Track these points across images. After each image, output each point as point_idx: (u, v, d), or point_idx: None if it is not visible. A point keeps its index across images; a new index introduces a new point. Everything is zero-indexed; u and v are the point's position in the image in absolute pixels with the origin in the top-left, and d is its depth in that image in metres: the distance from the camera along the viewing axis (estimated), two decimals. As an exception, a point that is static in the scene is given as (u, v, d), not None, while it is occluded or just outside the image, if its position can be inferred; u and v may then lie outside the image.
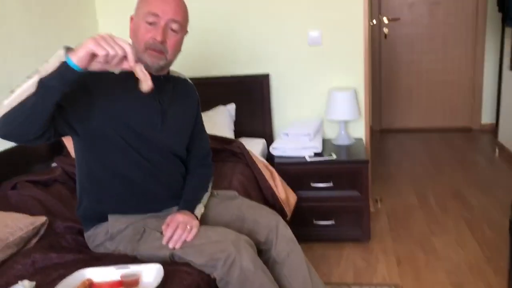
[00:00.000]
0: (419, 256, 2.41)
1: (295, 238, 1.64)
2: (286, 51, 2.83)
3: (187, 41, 1.57)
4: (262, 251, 1.62)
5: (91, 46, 1.09)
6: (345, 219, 2.53)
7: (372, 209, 2.82)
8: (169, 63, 1.52)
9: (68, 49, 1.14)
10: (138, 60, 1.41)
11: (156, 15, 1.42)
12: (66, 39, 2.56)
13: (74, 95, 1.31)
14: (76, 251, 1.52)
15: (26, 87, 1.10)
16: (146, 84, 1.16)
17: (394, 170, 3.70)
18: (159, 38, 1.42)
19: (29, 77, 1.13)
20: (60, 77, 1.08)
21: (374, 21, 4.55)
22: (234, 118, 2.84)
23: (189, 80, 1.73)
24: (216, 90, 2.84)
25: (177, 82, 1.65)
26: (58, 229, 1.65)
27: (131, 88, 1.37)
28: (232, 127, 2.78)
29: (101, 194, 1.51)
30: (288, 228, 1.65)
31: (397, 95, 4.81)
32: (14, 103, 1.11)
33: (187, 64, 2.58)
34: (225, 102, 2.86)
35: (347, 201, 2.50)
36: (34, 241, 1.54)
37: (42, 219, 1.58)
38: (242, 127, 2.85)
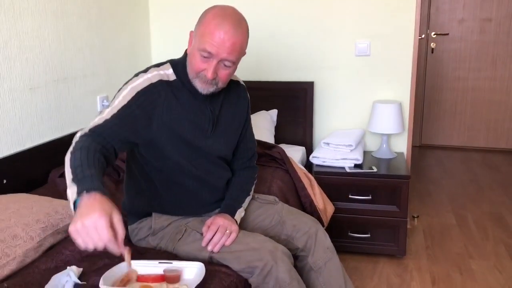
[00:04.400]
0: (455, 277, 2.35)
1: (333, 247, 1.64)
2: (332, 60, 2.83)
3: None
4: (299, 257, 1.62)
5: (72, 235, 1.06)
6: (381, 233, 2.50)
7: (409, 225, 2.77)
8: (220, 89, 1.51)
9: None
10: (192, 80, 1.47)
11: (210, 53, 1.39)
12: (119, 38, 2.65)
13: (135, 122, 1.40)
14: None
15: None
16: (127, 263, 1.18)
17: (433, 187, 3.62)
18: (209, 76, 1.41)
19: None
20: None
21: (423, 36, 4.49)
22: (275, 123, 2.86)
23: (241, 81, 1.73)
24: (260, 94, 2.85)
25: (230, 86, 1.62)
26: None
27: (184, 99, 1.45)
28: (273, 132, 2.80)
29: (149, 195, 1.55)
30: (327, 236, 1.65)
31: (440, 111, 4.71)
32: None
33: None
34: (268, 107, 2.88)
35: (384, 216, 2.47)
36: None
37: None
38: (283, 134, 2.87)
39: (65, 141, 2.18)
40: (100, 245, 1.05)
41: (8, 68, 1.85)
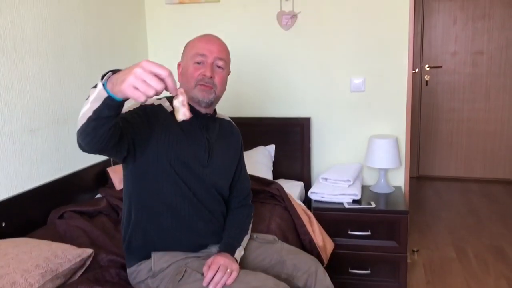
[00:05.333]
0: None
1: (333, 286, 1.64)
2: (328, 96, 2.87)
3: (232, 81, 1.66)
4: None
5: (129, 93, 1.03)
6: (381, 269, 2.49)
7: (408, 260, 2.76)
8: (217, 98, 1.61)
9: (108, 74, 1.13)
10: (189, 98, 1.52)
11: (203, 55, 1.55)
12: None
13: (138, 121, 1.43)
14: (119, 285, 1.55)
15: (85, 110, 1.15)
16: (180, 113, 1.15)
17: (432, 220, 3.62)
18: (208, 73, 1.53)
19: (86, 100, 1.17)
20: (108, 107, 1.11)
21: (417, 70, 4.58)
22: (273, 158, 2.88)
23: (233, 122, 1.81)
24: (257, 130, 2.90)
25: (223, 122, 1.74)
26: (102, 261, 1.70)
27: (182, 125, 1.49)
28: (271, 167, 2.82)
29: (147, 224, 1.54)
30: (327, 275, 1.65)
31: (436, 143, 4.75)
32: (83, 120, 1.16)
33: (230, 104, 2.67)
34: (266, 143, 2.90)
35: (384, 251, 2.46)
36: (79, 272, 1.58)
37: (88, 251, 1.63)
38: (281, 169, 2.88)
39: (64, 181, 2.20)
40: (160, 86, 1.02)
41: (9, 111, 1.88)
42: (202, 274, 1.46)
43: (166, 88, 1.06)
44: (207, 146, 1.58)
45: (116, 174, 2.44)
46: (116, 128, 1.25)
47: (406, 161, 2.81)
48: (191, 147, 1.54)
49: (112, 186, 2.43)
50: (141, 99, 1.02)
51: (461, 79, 4.59)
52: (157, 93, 1.04)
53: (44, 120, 2.09)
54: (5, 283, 1.31)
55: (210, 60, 1.55)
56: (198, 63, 1.55)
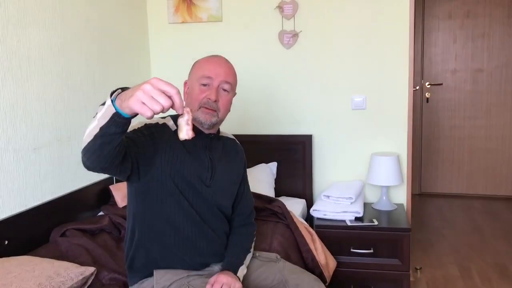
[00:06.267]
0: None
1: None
2: (329, 113, 2.89)
3: (234, 99, 1.67)
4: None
5: (136, 107, 1.05)
6: (384, 287, 2.47)
7: (411, 278, 2.74)
8: (220, 121, 1.62)
9: (117, 92, 1.15)
10: (193, 118, 1.52)
11: (209, 77, 1.55)
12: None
13: (142, 140, 1.44)
14: None
15: (92, 128, 1.16)
16: (183, 132, 1.16)
17: (434, 238, 3.60)
18: (213, 97, 1.54)
19: (94, 117, 1.18)
20: (115, 124, 1.12)
21: (417, 87, 4.61)
22: (275, 176, 2.88)
23: (237, 140, 1.82)
24: (259, 148, 2.91)
25: (226, 141, 1.75)
26: (104, 280, 1.70)
27: (187, 143, 1.49)
28: (273, 185, 2.82)
29: (150, 243, 1.54)
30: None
31: (438, 160, 4.75)
32: (89, 138, 1.17)
33: (233, 122, 2.68)
34: (267, 160, 2.91)
35: (387, 269, 2.45)
36: (82, 291, 1.58)
37: (90, 269, 1.63)
38: (283, 186, 2.89)
39: (67, 199, 2.21)
40: (168, 103, 1.04)
41: (13, 129, 1.90)
42: (205, 293, 1.46)
43: (172, 106, 1.08)
44: (209, 166, 1.59)
45: (119, 192, 2.45)
46: (122, 146, 1.26)
47: (408, 178, 2.81)
48: (194, 167, 1.55)
49: (114, 203, 2.44)
50: (148, 114, 1.04)
51: (462, 97, 4.61)
52: (163, 110, 1.06)
53: (48, 138, 2.11)
54: (7, 302, 1.31)
55: (216, 83, 1.56)
56: (204, 85, 1.56)
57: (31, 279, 1.43)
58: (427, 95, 4.67)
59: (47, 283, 1.44)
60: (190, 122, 1.17)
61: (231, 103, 1.64)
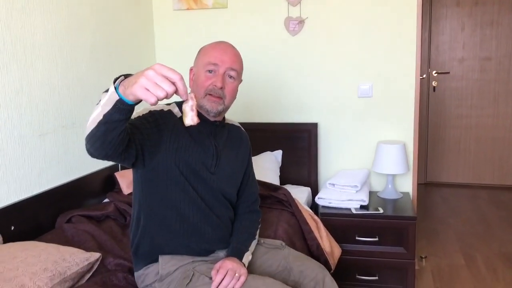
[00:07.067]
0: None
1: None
2: (335, 101, 2.87)
3: (240, 87, 1.65)
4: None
5: (139, 94, 1.04)
6: (389, 275, 2.47)
7: (416, 266, 2.74)
8: (226, 108, 1.61)
9: (120, 79, 1.14)
10: (198, 106, 1.52)
11: (215, 64, 1.54)
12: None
13: (147, 127, 1.43)
14: None
15: (96, 115, 1.15)
16: (188, 118, 1.17)
17: (440, 227, 3.59)
18: (218, 84, 1.52)
19: (97, 104, 1.18)
20: (119, 111, 1.12)
21: (424, 75, 4.57)
22: (280, 164, 2.88)
23: (242, 128, 1.81)
24: (264, 136, 2.90)
25: (231, 128, 1.74)
26: (109, 265, 1.70)
27: (192, 130, 1.51)
28: (278, 173, 2.82)
29: (156, 229, 1.55)
30: (334, 282, 1.64)
31: (444, 149, 4.73)
32: (93, 125, 1.17)
33: (238, 109, 2.67)
34: (272, 148, 2.90)
35: (392, 257, 2.45)
36: (87, 276, 1.59)
37: (96, 255, 1.63)
38: (288, 174, 2.88)
39: (72, 186, 2.21)
40: (171, 89, 1.04)
41: (18, 115, 1.90)
42: (210, 278, 1.46)
43: (176, 92, 1.07)
44: (214, 153, 1.58)
45: (124, 179, 2.45)
46: (125, 133, 1.26)
47: (414, 167, 2.80)
48: (199, 154, 1.54)
49: (119, 190, 2.44)
50: (152, 100, 1.03)
51: (469, 85, 4.57)
52: (167, 96, 1.05)
53: (53, 124, 2.11)
54: (14, 286, 1.31)
55: (222, 70, 1.54)
56: (210, 71, 1.54)
57: (37, 263, 1.43)
58: (434, 83, 4.63)
59: (52, 268, 1.44)
60: (194, 108, 1.16)
61: (237, 90, 1.62)
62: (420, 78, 2.81)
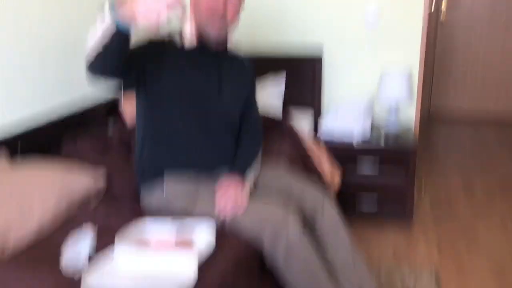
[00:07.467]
0: (461, 241, 2.40)
1: (340, 218, 1.67)
2: (341, 27, 2.78)
3: (245, 13, 1.63)
4: (306, 226, 1.66)
5: (142, 21, 1.13)
6: (389, 206, 2.53)
7: (416, 197, 2.79)
8: (229, 32, 1.61)
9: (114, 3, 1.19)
10: (201, 34, 1.53)
11: None
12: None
13: (148, 52, 1.48)
14: (132, 215, 1.57)
15: (95, 36, 1.21)
16: (187, 40, 1.22)
17: (441, 159, 3.62)
18: (220, 9, 1.50)
19: (96, 26, 1.21)
20: (118, 35, 1.17)
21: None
22: (284, 87, 2.79)
23: (244, 55, 1.81)
24: (268, 63, 2.82)
25: (234, 56, 1.75)
26: (116, 192, 1.73)
27: (194, 57, 1.55)
28: (282, 96, 2.76)
29: (160, 153, 1.61)
30: (335, 207, 1.68)
31: (450, 78, 4.65)
32: (92, 45, 1.21)
33: (241, 35, 2.59)
34: (276, 71, 2.83)
35: (392, 189, 2.50)
36: (94, 203, 1.62)
37: (102, 182, 1.68)
38: (291, 97, 2.81)
39: (75, 114, 2.23)
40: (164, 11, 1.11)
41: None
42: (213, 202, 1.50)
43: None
44: (217, 79, 1.61)
45: (129, 110, 2.44)
46: (125, 54, 1.29)
47: (418, 96, 2.75)
48: (202, 80, 1.58)
49: (123, 125, 2.44)
50: (154, 18, 1.09)
51: (480, 13, 4.42)
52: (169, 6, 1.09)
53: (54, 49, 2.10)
54: (22, 209, 1.35)
55: None
56: None
57: (44, 187, 1.47)
58: (443, 8, 4.45)
59: (60, 192, 1.48)
60: (192, 28, 1.17)
61: (239, 13, 1.60)
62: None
